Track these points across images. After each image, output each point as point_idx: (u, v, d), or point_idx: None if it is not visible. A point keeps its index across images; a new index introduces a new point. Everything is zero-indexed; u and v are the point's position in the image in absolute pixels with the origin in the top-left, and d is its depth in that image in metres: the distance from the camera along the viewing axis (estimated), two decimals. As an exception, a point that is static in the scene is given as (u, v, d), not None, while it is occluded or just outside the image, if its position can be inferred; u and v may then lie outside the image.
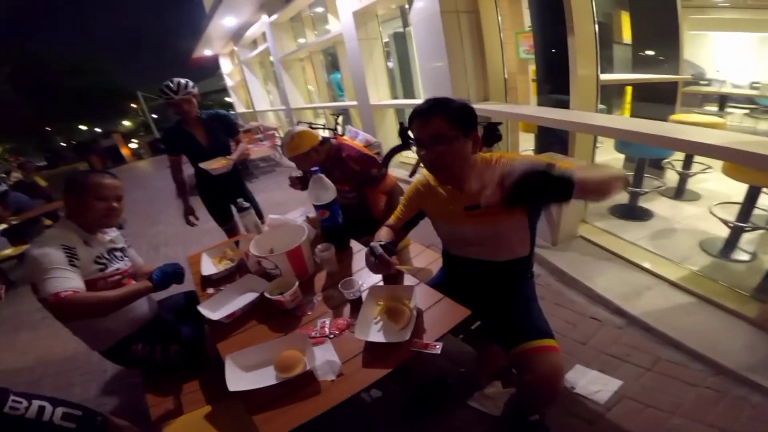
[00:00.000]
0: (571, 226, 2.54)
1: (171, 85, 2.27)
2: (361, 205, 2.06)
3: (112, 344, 1.51)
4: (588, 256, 2.37)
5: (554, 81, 2.65)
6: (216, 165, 2.37)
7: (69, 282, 1.24)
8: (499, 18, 3.12)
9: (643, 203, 2.90)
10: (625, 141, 2.80)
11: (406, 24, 3.88)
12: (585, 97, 2.44)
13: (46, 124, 20.75)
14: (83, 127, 24.77)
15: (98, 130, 24.87)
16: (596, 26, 2.31)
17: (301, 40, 6.86)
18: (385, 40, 4.83)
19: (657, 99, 3.42)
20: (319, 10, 6.13)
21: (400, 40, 4.57)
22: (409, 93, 5.05)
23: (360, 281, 1.31)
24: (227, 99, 14.73)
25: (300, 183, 2.16)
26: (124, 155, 16.71)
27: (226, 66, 12.42)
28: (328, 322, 1.20)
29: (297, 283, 1.33)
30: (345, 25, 4.39)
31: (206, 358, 1.55)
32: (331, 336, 1.14)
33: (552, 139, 2.73)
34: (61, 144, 23.05)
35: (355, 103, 5.09)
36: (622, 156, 3.45)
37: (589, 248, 2.46)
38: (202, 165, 2.37)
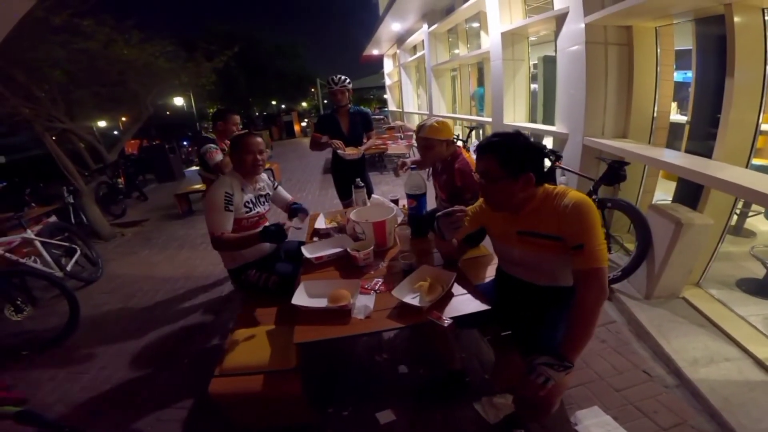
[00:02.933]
0: (674, 285, 2.30)
1: (334, 78, 2.96)
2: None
3: (238, 265, 2.09)
4: (680, 318, 2.15)
5: (706, 125, 2.39)
6: (349, 152, 2.94)
7: (220, 225, 1.84)
8: (659, 51, 2.91)
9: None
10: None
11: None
12: (734, 147, 2.17)
13: (250, 95, 26.01)
14: (274, 102, 30.21)
15: (283, 106, 30.09)
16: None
17: (456, 51, 7.26)
18: (534, 62, 4.82)
19: None
20: (475, 25, 6.42)
21: (550, 64, 4.48)
22: (549, 119, 4.87)
23: (416, 258, 1.62)
24: (385, 96, 16.21)
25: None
26: (296, 131, 20.05)
27: (388, 66, 13.78)
28: (381, 281, 1.56)
29: (372, 247, 1.72)
30: (493, 43, 4.57)
31: (292, 292, 1.94)
32: (378, 291, 1.49)
33: (690, 191, 2.48)
34: (256, 113, 28.71)
35: (490, 119, 5.23)
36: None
37: (687, 311, 2.21)
38: (339, 152, 2.93)
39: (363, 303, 1.41)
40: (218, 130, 2.83)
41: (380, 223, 1.81)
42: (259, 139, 2.01)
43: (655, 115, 3.07)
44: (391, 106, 13.98)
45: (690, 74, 2.90)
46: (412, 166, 2.31)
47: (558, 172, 3.11)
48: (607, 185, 2.71)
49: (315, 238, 2.11)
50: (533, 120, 4.90)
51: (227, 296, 3.05)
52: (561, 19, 3.30)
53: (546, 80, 4.68)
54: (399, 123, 10.17)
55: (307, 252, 1.86)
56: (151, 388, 2.15)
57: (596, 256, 1.14)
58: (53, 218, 4.20)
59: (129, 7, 6.21)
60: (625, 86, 3.05)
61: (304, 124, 21.27)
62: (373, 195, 2.30)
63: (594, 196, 2.65)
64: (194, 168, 6.83)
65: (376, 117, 10.78)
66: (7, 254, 3.12)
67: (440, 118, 2.10)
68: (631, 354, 1.99)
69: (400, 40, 10.33)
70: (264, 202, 2.17)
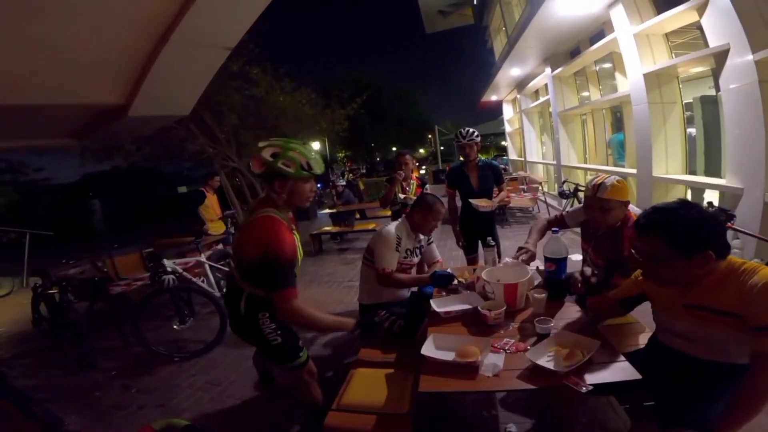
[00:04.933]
0: None
1: (462, 131, 3.04)
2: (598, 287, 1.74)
3: (373, 303, 2.25)
4: None
5: None
6: (483, 203, 2.95)
7: (390, 263, 2.12)
8: None
9: None
10: None
11: (719, 87, 3.21)
12: None
13: (372, 140, 27.80)
14: (394, 149, 32.06)
15: (402, 152, 31.49)
16: None
17: (585, 93, 6.79)
18: (688, 100, 4.21)
19: None
20: (607, 66, 5.93)
21: (710, 104, 3.83)
22: (713, 169, 4.05)
23: (552, 323, 1.54)
24: (503, 143, 15.80)
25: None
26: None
27: (507, 112, 13.50)
28: (512, 342, 1.52)
29: (505, 307, 1.69)
30: (633, 85, 4.18)
31: (413, 339, 2.03)
32: (508, 351, 1.45)
33: None
34: (377, 159, 30.67)
35: (634, 171, 4.66)
36: None
37: None
38: (472, 201, 2.97)
39: (492, 361, 1.38)
40: (395, 168, 3.43)
41: (512, 286, 1.77)
42: (444, 211, 2.28)
43: None
44: (512, 155, 13.48)
45: None
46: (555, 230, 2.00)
47: (730, 234, 2.59)
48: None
49: (443, 293, 2.15)
50: (692, 171, 4.21)
51: (346, 333, 3.20)
52: (721, 56, 2.91)
53: (706, 124, 4.02)
54: (522, 173, 9.73)
55: (436, 305, 1.91)
56: (267, 409, 2.33)
57: None
58: (220, 245, 4.98)
59: (271, 54, 6.59)
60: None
61: (422, 171, 21.94)
62: (507, 258, 2.22)
63: (779, 266, 2.13)
64: (326, 210, 7.64)
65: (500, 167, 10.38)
66: (185, 273, 3.65)
67: (618, 177, 1.83)
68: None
69: (520, 85, 10.12)
70: (418, 254, 2.37)
